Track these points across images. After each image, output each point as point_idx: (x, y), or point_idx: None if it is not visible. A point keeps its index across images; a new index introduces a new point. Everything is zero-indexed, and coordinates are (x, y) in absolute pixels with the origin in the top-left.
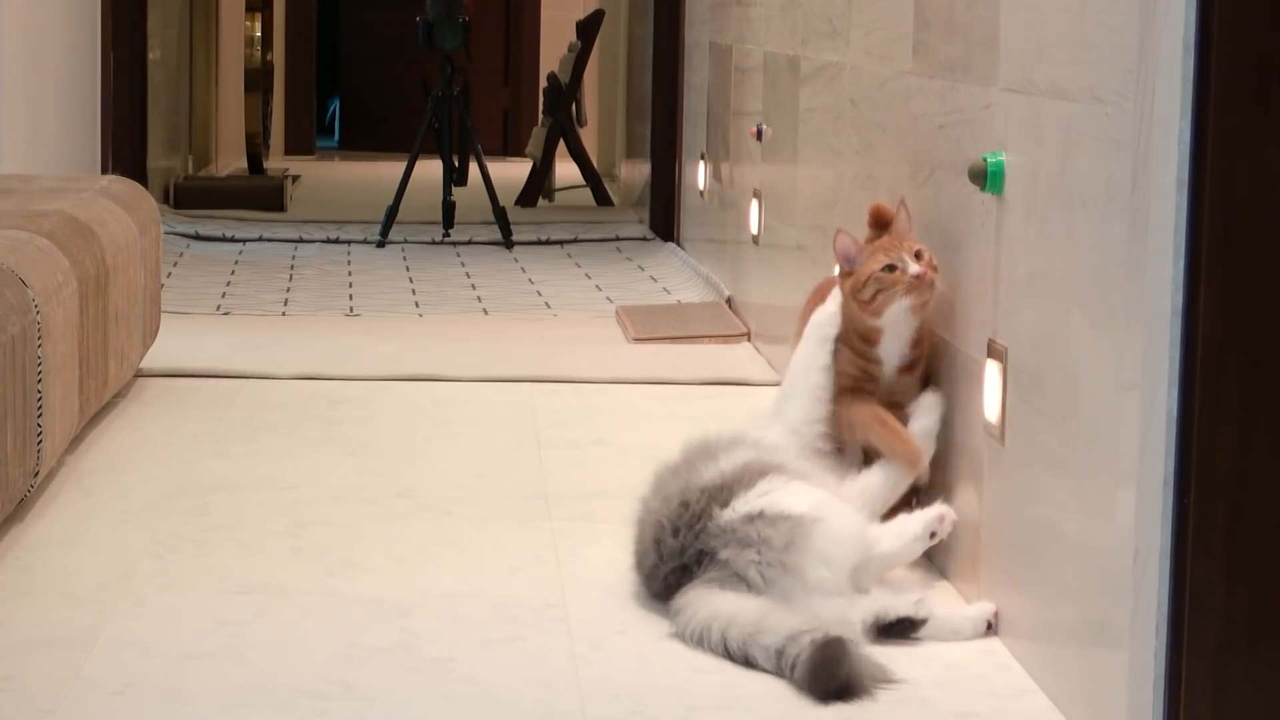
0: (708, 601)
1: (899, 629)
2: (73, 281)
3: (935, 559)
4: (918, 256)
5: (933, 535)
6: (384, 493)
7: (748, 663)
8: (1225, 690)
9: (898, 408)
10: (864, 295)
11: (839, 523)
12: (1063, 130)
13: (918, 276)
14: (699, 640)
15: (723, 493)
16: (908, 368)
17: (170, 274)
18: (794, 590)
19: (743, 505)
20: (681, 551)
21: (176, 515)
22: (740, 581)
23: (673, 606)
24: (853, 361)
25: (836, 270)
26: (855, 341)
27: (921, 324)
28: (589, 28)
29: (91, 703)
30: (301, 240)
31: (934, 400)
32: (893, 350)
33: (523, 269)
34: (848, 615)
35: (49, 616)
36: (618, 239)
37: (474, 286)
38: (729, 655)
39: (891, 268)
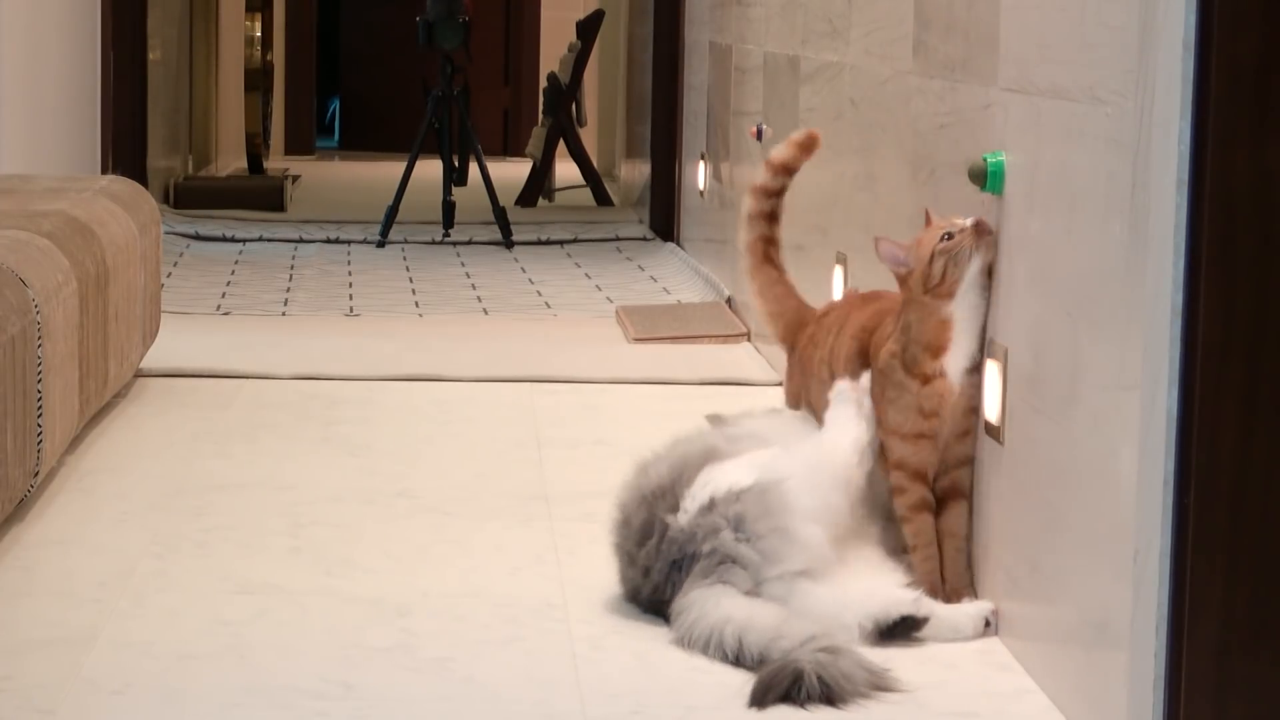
0: (717, 603)
1: (901, 629)
2: (73, 281)
3: None
4: None
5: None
6: (384, 493)
7: (760, 667)
8: (1225, 690)
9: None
10: (934, 277)
11: (798, 477)
12: (1063, 130)
13: (977, 224)
14: (706, 643)
15: (666, 497)
16: (978, 367)
17: (170, 274)
18: (790, 554)
19: (692, 503)
20: (647, 572)
21: (176, 515)
22: (734, 565)
23: (675, 607)
24: (913, 403)
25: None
26: (918, 360)
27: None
28: (589, 28)
29: (91, 703)
30: (301, 240)
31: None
32: (962, 351)
33: (523, 269)
34: (846, 619)
35: (49, 616)
36: (618, 239)
37: (474, 286)
38: (738, 659)
39: (949, 235)
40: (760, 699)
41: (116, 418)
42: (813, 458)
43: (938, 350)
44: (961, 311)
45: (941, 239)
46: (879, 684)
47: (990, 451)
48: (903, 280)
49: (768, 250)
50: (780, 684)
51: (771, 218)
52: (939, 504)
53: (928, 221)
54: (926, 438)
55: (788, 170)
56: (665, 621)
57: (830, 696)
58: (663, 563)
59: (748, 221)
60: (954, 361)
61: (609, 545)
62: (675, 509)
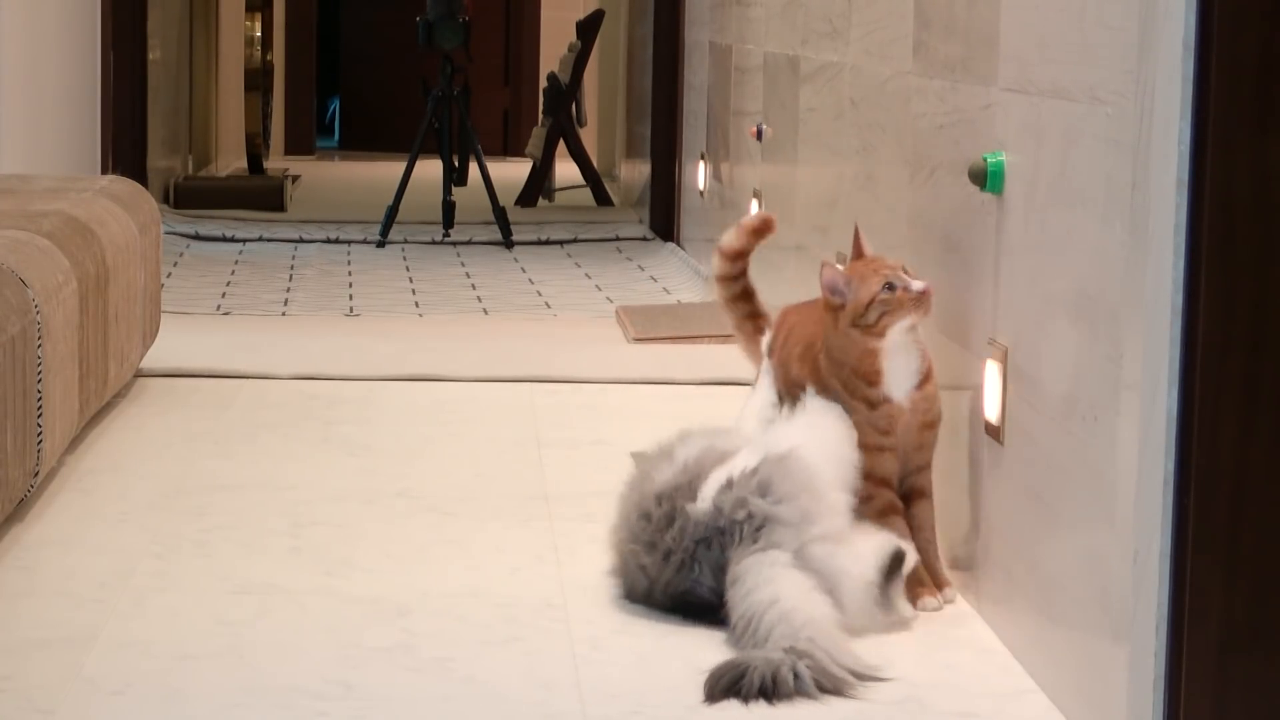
0: (770, 579)
1: (894, 566)
2: (73, 281)
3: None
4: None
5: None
6: (384, 493)
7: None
8: (1225, 690)
9: (918, 469)
10: (869, 319)
11: (810, 448)
12: (1063, 130)
13: (923, 292)
14: (747, 625)
15: (682, 490)
16: (923, 382)
17: (170, 274)
18: (823, 513)
19: (709, 489)
20: (666, 557)
21: (176, 515)
22: (776, 524)
23: (731, 574)
24: (866, 420)
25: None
26: (857, 387)
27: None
28: (589, 28)
29: (91, 703)
30: (301, 240)
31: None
32: (900, 375)
33: (523, 269)
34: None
35: (49, 616)
36: (618, 239)
37: (474, 286)
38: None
39: (892, 287)
40: (709, 691)
41: (116, 418)
42: (805, 428)
43: (873, 378)
44: (889, 347)
45: (884, 289)
46: (831, 688)
47: (990, 451)
48: (834, 310)
49: (757, 327)
50: (725, 678)
51: (744, 296)
52: (905, 503)
53: (856, 241)
54: (888, 450)
55: (741, 256)
56: (675, 616)
57: (769, 695)
58: (688, 542)
59: (725, 306)
60: (895, 385)
61: (613, 545)
62: (696, 496)
